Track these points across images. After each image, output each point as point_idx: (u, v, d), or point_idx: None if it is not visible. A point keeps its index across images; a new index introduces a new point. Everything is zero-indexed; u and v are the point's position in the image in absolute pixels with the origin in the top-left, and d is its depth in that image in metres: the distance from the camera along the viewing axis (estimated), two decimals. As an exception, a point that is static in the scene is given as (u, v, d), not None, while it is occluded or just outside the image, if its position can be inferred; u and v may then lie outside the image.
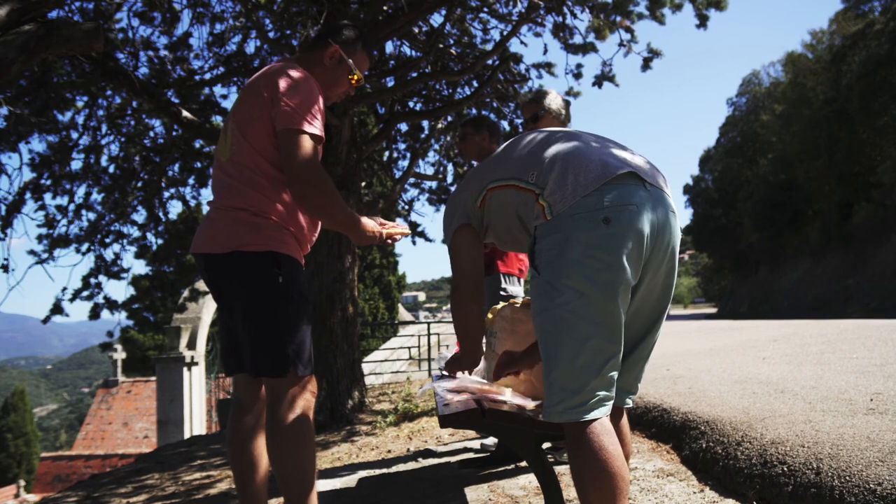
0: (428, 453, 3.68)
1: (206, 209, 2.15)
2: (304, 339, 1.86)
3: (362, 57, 2.07)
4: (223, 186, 1.88)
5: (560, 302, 1.46)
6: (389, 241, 2.08)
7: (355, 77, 2.05)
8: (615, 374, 1.49)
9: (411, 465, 3.44)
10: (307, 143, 1.78)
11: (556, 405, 1.46)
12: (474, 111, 6.66)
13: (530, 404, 1.88)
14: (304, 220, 1.94)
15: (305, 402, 1.85)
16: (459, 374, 2.03)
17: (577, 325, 1.45)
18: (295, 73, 1.84)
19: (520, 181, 1.63)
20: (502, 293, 3.31)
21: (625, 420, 1.76)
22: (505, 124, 6.68)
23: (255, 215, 1.82)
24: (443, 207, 6.01)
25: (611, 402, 1.49)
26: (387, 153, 7.89)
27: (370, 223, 1.98)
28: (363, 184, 6.09)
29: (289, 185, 1.81)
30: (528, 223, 1.64)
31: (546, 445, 2.82)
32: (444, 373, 2.13)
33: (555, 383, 1.47)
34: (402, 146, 7.65)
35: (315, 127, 1.80)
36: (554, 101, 2.49)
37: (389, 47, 6.35)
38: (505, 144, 1.83)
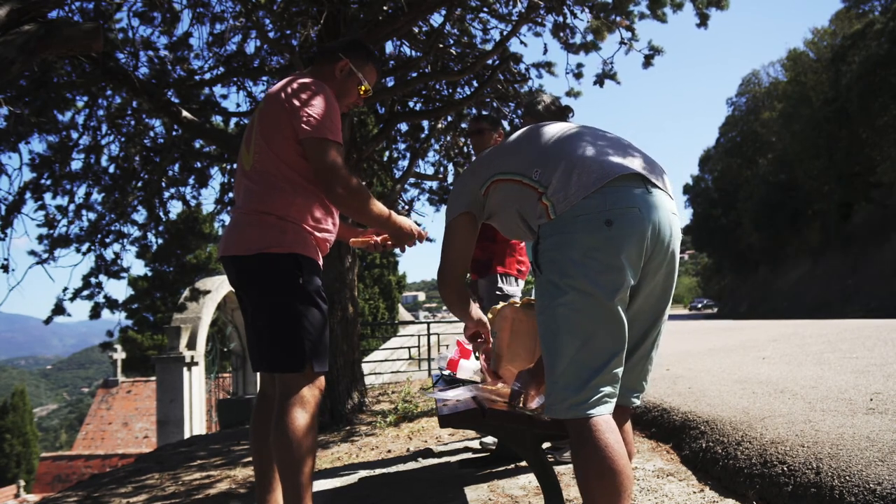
0: (428, 453, 3.67)
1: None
2: (320, 336, 1.96)
3: (371, 69, 2.18)
4: (248, 193, 1.99)
5: (562, 301, 1.48)
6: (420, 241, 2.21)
7: (363, 88, 2.17)
8: (619, 371, 1.51)
9: (411, 465, 3.44)
10: (332, 150, 1.91)
11: (562, 402, 1.47)
12: (474, 111, 6.66)
13: (535, 404, 1.89)
14: (324, 220, 2.05)
15: (314, 398, 1.94)
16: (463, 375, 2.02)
17: (580, 323, 1.47)
18: (312, 85, 1.97)
19: (524, 177, 1.63)
20: (498, 293, 3.31)
21: (628, 420, 1.76)
22: (505, 124, 6.68)
23: (279, 219, 1.93)
24: (443, 208, 6.01)
25: (614, 400, 1.50)
26: (387, 153, 7.88)
27: (406, 221, 2.13)
28: (363, 184, 6.08)
29: (323, 191, 1.96)
30: (529, 220, 1.64)
31: (546, 445, 2.82)
32: (445, 372, 2.13)
33: (559, 380, 1.48)
34: (402, 146, 7.64)
35: (335, 134, 1.94)
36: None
37: (389, 47, 6.34)
38: (517, 133, 1.81)
